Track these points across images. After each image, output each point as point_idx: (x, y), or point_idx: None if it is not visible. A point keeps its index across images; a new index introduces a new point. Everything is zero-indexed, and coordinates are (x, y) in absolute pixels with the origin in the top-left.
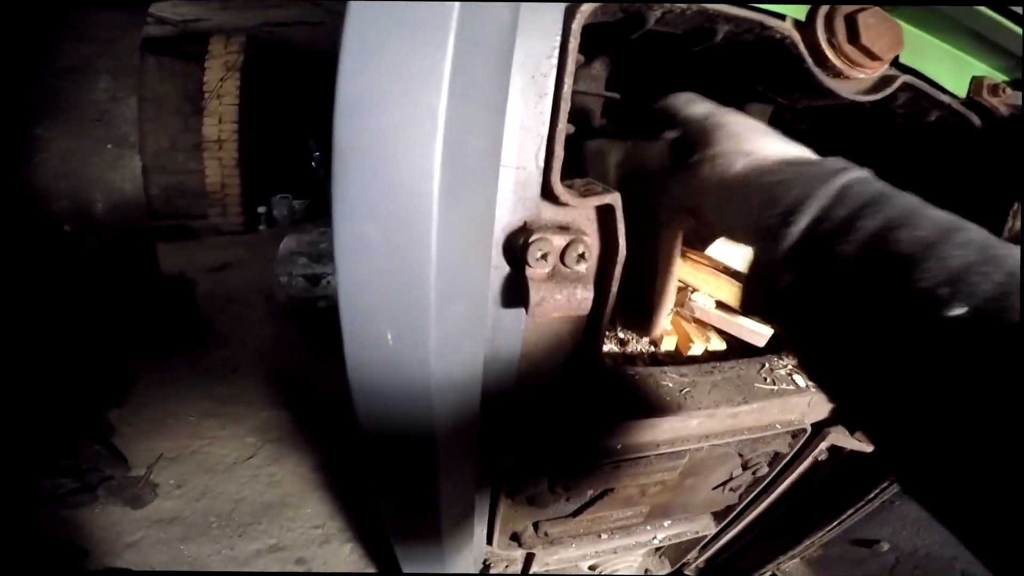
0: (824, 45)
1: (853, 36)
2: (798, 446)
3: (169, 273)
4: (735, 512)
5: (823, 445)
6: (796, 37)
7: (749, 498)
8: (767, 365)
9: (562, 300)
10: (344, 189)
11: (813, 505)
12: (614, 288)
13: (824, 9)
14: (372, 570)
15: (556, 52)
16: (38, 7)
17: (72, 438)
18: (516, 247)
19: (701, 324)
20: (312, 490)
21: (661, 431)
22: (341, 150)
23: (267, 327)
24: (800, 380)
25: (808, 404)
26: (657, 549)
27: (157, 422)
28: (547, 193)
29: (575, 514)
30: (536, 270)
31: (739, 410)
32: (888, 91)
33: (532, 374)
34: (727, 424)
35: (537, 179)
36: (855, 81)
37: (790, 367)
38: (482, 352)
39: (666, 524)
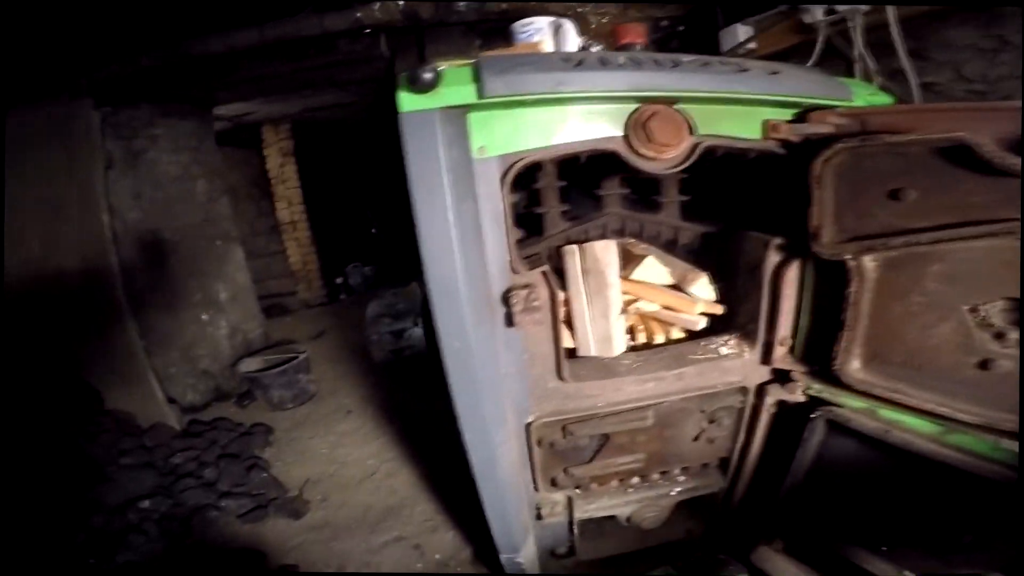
0: (638, 146)
1: (649, 137)
2: (749, 401)
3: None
4: (734, 467)
5: (769, 400)
6: (620, 148)
7: (737, 450)
8: (703, 343)
9: (529, 319)
10: (430, 287)
11: (780, 452)
12: (558, 310)
13: (632, 120)
14: (469, 550)
15: (501, 206)
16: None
17: (244, 472)
18: (505, 298)
19: (664, 322)
20: (421, 493)
21: (625, 392)
22: (430, 282)
23: (367, 377)
24: (724, 350)
25: (742, 366)
26: (692, 510)
27: (299, 455)
28: (514, 270)
29: (591, 460)
30: (515, 307)
31: (680, 372)
32: (695, 156)
33: (533, 360)
34: (676, 385)
35: (508, 265)
36: (669, 158)
37: (719, 343)
38: (496, 347)
39: (680, 479)
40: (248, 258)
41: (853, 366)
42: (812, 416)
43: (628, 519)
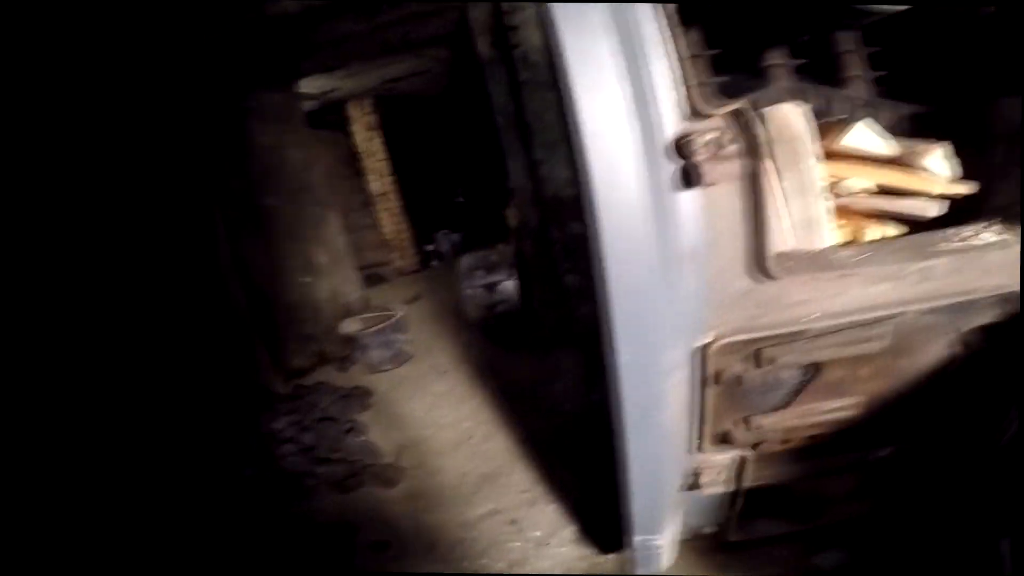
0: None
1: None
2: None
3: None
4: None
5: None
6: None
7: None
8: (949, 232)
9: (721, 172)
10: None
11: None
12: (763, 162)
13: None
14: (572, 527)
15: None
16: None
17: (340, 437)
18: (683, 145)
19: (871, 216)
20: (518, 461)
21: (849, 296)
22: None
23: (460, 337)
24: (988, 236)
25: (1008, 264)
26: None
27: (396, 418)
28: (695, 111)
29: (785, 404)
30: (699, 156)
31: (926, 267)
32: None
33: (716, 244)
34: (920, 288)
35: (687, 103)
36: None
37: (978, 229)
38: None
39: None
40: (345, 232)
41: None
42: None
43: (802, 491)
